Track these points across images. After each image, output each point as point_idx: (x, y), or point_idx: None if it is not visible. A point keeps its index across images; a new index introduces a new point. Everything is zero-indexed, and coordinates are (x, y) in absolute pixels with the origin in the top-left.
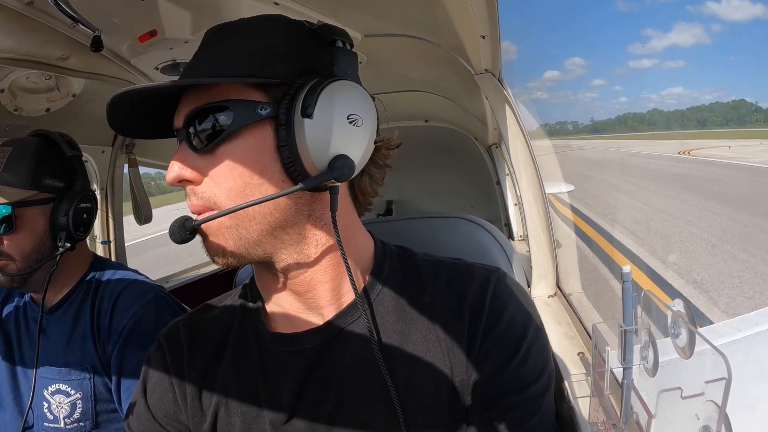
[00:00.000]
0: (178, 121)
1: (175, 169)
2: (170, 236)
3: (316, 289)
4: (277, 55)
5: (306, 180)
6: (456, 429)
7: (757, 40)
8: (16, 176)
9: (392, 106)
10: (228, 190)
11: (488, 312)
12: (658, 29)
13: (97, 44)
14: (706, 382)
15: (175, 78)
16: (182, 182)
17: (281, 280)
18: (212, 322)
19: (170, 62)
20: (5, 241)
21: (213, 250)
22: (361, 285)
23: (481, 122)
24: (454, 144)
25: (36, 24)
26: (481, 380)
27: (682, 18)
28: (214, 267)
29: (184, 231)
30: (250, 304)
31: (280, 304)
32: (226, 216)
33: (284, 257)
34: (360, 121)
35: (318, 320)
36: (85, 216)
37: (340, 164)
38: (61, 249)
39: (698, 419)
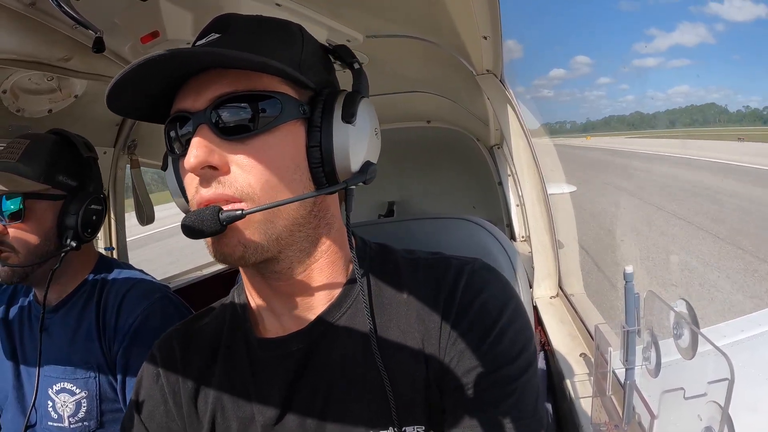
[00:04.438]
0: (198, 102)
1: (200, 154)
2: (190, 227)
3: (311, 289)
4: (308, 62)
5: (349, 179)
6: (437, 420)
7: (761, 40)
8: (30, 168)
9: (394, 106)
10: (264, 182)
11: (460, 299)
12: (662, 29)
13: (98, 45)
14: (709, 383)
15: None
16: (205, 169)
17: (277, 283)
18: (204, 330)
19: None
20: (10, 232)
21: (233, 244)
22: (343, 282)
23: (483, 123)
24: (455, 145)
25: (38, 25)
26: (453, 364)
27: (686, 18)
28: (216, 268)
29: (217, 222)
30: (239, 310)
31: (270, 307)
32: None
33: (290, 256)
34: (379, 135)
35: (305, 321)
36: (94, 218)
37: (371, 169)
38: (66, 248)
39: (701, 420)
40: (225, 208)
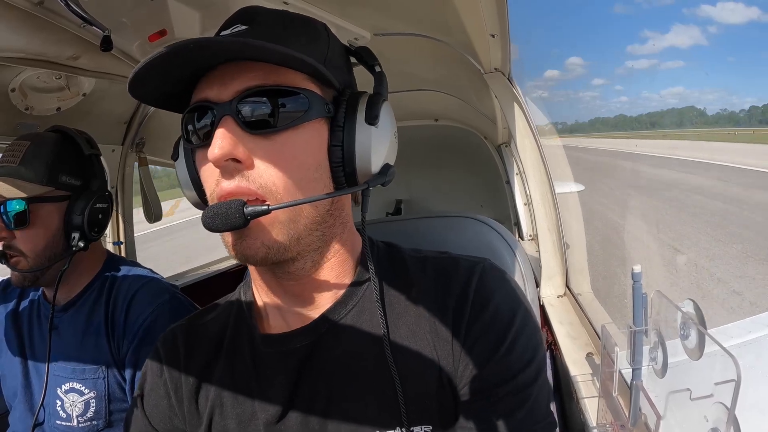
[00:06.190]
0: (224, 93)
1: (225, 145)
2: (212, 220)
3: (319, 288)
4: (333, 61)
5: (370, 180)
6: (446, 421)
7: (756, 42)
8: (32, 171)
9: (402, 105)
10: (287, 180)
11: (472, 302)
12: (657, 30)
13: (106, 44)
14: (716, 384)
15: None
16: (228, 161)
17: (288, 282)
18: (209, 326)
19: None
20: (17, 237)
21: (257, 246)
22: (350, 281)
23: (491, 121)
24: (463, 143)
25: (46, 24)
26: (468, 371)
27: (679, 20)
28: (223, 265)
29: (242, 216)
30: (245, 306)
31: (277, 305)
32: (283, 209)
33: (305, 257)
34: (397, 138)
35: (309, 318)
36: (100, 216)
37: (390, 171)
38: (74, 248)
39: (707, 421)
40: (271, 204)
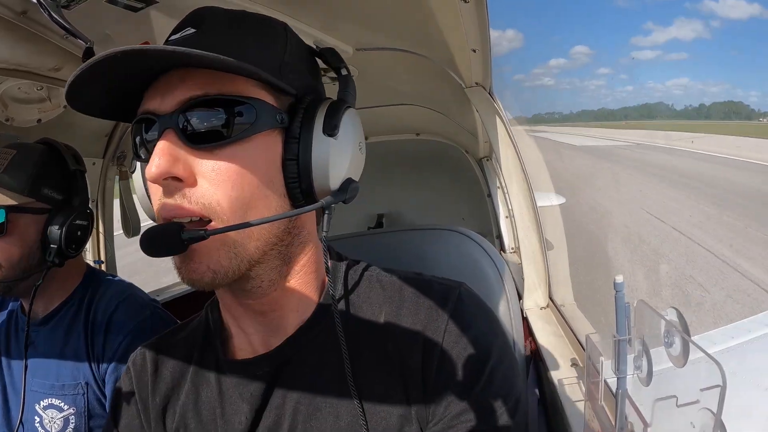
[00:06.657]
0: (166, 104)
1: (163, 164)
2: (149, 243)
3: (282, 308)
4: (290, 64)
5: (327, 198)
6: None
7: (758, 37)
8: (15, 180)
9: (383, 119)
10: (233, 198)
11: (446, 333)
12: (660, 24)
13: (89, 56)
14: (701, 390)
15: None
16: (168, 180)
17: (246, 300)
18: (178, 346)
19: None
20: None
21: (202, 270)
22: (315, 302)
23: (472, 135)
24: (445, 157)
25: (29, 34)
26: (442, 404)
27: (682, 14)
28: None
29: (179, 241)
30: (212, 327)
31: (241, 325)
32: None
33: (260, 274)
34: (364, 149)
35: (273, 343)
36: (79, 233)
37: (352, 187)
38: (49, 263)
39: (694, 427)
40: (190, 225)
